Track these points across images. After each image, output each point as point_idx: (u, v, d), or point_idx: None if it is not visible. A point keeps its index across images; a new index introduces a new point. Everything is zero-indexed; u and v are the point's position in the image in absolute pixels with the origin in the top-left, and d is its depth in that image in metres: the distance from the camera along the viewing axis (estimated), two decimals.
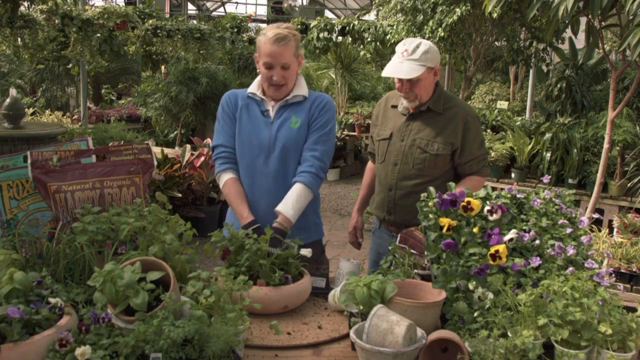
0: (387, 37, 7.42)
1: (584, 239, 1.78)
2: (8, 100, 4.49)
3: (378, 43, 8.25)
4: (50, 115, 8.00)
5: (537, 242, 1.74)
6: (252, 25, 10.27)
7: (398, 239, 2.13)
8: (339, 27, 8.80)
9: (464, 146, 2.42)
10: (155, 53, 8.41)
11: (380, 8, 8.14)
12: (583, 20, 4.18)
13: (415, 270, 1.93)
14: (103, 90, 11.07)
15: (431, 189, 1.85)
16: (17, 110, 4.53)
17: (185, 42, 7.30)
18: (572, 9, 3.50)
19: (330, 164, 2.50)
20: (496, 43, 6.54)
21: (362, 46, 8.65)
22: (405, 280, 1.76)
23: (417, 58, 2.30)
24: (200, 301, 1.52)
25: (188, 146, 5.99)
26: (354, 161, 9.70)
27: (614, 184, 5.33)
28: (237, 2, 16.87)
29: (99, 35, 6.81)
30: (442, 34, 5.53)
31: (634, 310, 1.51)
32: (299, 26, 9.02)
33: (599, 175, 4.31)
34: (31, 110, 8.31)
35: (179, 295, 1.54)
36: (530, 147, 5.83)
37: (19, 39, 6.58)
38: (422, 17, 5.86)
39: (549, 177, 3.41)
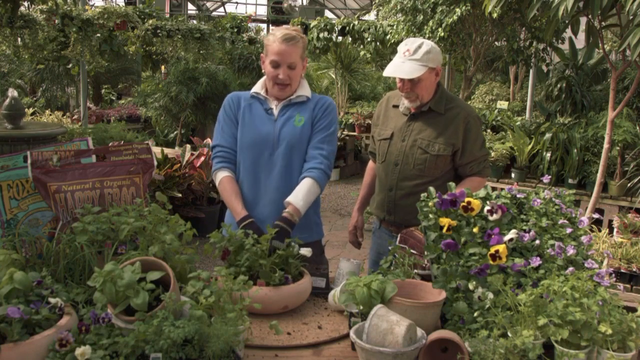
0: (387, 37, 7.43)
1: (584, 239, 1.78)
2: (8, 100, 4.49)
3: (378, 43, 8.25)
4: (50, 115, 8.00)
5: (537, 242, 1.74)
6: (252, 25, 10.27)
7: (398, 239, 2.13)
8: (339, 27, 8.80)
9: (465, 147, 2.42)
10: (155, 53, 8.40)
11: (380, 8, 8.14)
12: (583, 20, 4.18)
13: (415, 270, 1.93)
14: (103, 90, 11.07)
15: (431, 189, 1.85)
16: (17, 110, 4.53)
17: (185, 42, 7.30)
18: (572, 9, 3.50)
19: None
20: (496, 43, 6.54)
21: (362, 46, 8.65)
22: (405, 280, 1.76)
23: (419, 58, 2.30)
24: (200, 301, 1.52)
25: (188, 146, 5.99)
26: (354, 161, 9.71)
27: (614, 184, 5.33)
28: (237, 2, 16.87)
29: (99, 35, 6.81)
30: (442, 34, 5.54)
31: (634, 310, 1.51)
32: (299, 26, 9.01)
33: (599, 175, 4.31)
34: (31, 110, 8.31)
35: (179, 295, 1.54)
36: (530, 147, 5.83)
37: (19, 39, 6.58)
38: (422, 17, 5.86)
39: (549, 177, 3.41)
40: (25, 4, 6.09)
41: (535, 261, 1.67)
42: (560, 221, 1.82)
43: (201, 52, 7.52)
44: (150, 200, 1.99)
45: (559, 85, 6.58)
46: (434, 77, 2.40)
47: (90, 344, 1.37)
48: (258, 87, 2.36)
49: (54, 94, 9.77)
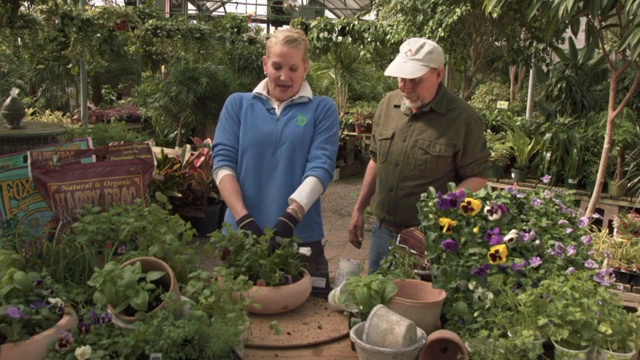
0: (387, 37, 7.42)
1: (584, 239, 1.78)
2: (8, 100, 4.49)
3: (378, 43, 8.25)
4: (50, 115, 8.01)
5: (537, 242, 1.74)
6: (252, 25, 10.27)
7: (398, 239, 2.13)
8: (339, 27, 8.80)
9: (466, 148, 2.42)
10: (155, 53, 8.40)
11: (380, 8, 8.14)
12: (583, 20, 4.18)
13: (415, 270, 1.93)
14: (103, 90, 11.07)
15: (431, 189, 1.85)
16: (17, 110, 4.53)
17: (185, 42, 7.30)
18: (572, 9, 3.50)
19: None
20: (496, 43, 6.54)
21: (362, 46, 8.65)
22: (405, 280, 1.76)
23: (421, 58, 2.30)
24: (200, 301, 1.52)
25: (188, 146, 5.99)
26: (354, 161, 9.71)
27: (614, 184, 5.33)
28: (237, 2, 16.87)
29: (99, 35, 6.81)
30: (442, 34, 5.54)
31: (634, 310, 1.51)
32: (299, 26, 9.02)
33: (599, 175, 4.31)
34: (31, 110, 8.32)
35: (179, 295, 1.54)
36: (530, 147, 5.83)
37: (19, 39, 6.58)
38: (422, 17, 5.86)
39: (549, 177, 3.41)
40: (25, 4, 6.09)
41: (535, 261, 1.67)
42: (560, 221, 1.82)
43: (201, 52, 7.53)
44: (150, 200, 1.99)
45: (559, 85, 6.58)
46: (435, 78, 2.39)
47: (90, 344, 1.37)
48: (260, 88, 2.37)
49: (54, 94, 9.77)
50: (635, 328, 1.44)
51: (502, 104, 7.62)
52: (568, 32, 5.53)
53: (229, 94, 2.47)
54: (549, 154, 5.67)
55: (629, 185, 5.32)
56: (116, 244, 1.72)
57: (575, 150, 5.54)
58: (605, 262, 3.41)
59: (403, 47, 2.37)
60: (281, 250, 1.94)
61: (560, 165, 5.67)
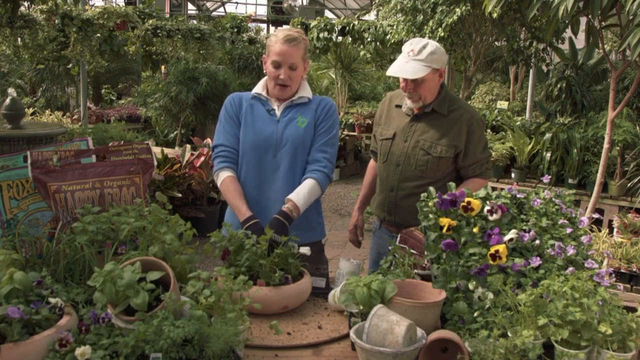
0: (387, 37, 7.42)
1: (584, 239, 1.78)
2: (8, 100, 4.50)
3: (378, 43, 8.25)
4: (50, 115, 8.01)
5: (537, 242, 1.74)
6: (252, 25, 10.27)
7: (398, 239, 2.13)
8: (339, 27, 8.80)
9: (467, 149, 2.42)
10: (155, 53, 8.41)
11: (380, 8, 8.14)
12: (583, 20, 4.18)
13: (415, 270, 1.93)
14: (103, 90, 11.07)
15: (431, 189, 1.85)
16: (17, 110, 4.53)
17: (185, 42, 7.30)
18: (572, 9, 3.50)
19: None
20: (496, 43, 6.54)
21: (362, 46, 8.65)
22: (405, 280, 1.76)
23: (423, 59, 2.29)
24: (200, 301, 1.52)
25: (188, 146, 5.99)
26: (354, 161, 9.71)
27: (614, 184, 5.33)
28: (237, 2, 16.87)
29: (99, 35, 6.81)
30: (442, 34, 5.54)
31: (634, 310, 1.51)
32: (299, 26, 9.02)
33: (599, 175, 4.31)
34: (31, 110, 8.31)
35: (179, 295, 1.54)
36: (530, 147, 5.83)
37: (19, 39, 6.58)
38: (422, 17, 5.86)
39: (549, 177, 3.41)
40: (25, 4, 6.09)
41: (535, 261, 1.67)
42: (560, 221, 1.81)
43: (201, 52, 7.53)
44: (150, 200, 1.99)
45: (559, 85, 6.58)
46: (437, 79, 2.39)
47: (90, 344, 1.37)
48: (259, 88, 2.36)
49: (54, 94, 9.77)
50: (635, 328, 1.44)
51: (502, 104, 7.62)
52: (568, 32, 5.53)
53: (229, 94, 2.46)
54: (549, 154, 5.67)
55: (629, 185, 5.32)
56: (116, 244, 1.72)
57: (575, 150, 5.54)
58: (605, 262, 3.41)
59: (405, 47, 2.36)
60: (280, 250, 1.94)
61: (560, 165, 5.67)
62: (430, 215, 1.78)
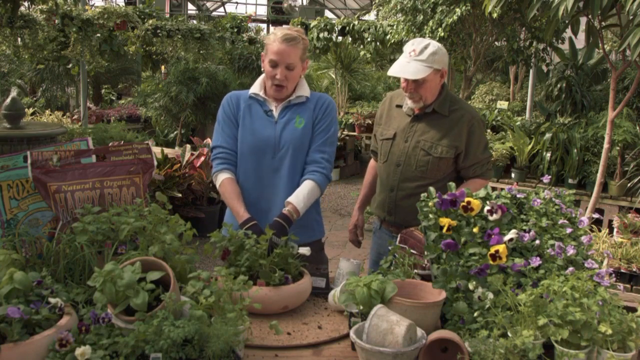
0: (387, 37, 7.42)
1: (584, 239, 1.78)
2: (8, 100, 4.50)
3: (378, 43, 8.25)
4: (50, 115, 8.01)
5: (537, 242, 1.74)
6: (252, 25, 10.28)
7: (398, 239, 2.13)
8: (339, 27, 8.80)
9: (468, 150, 2.42)
10: (155, 53, 8.41)
11: (380, 8, 8.14)
12: (583, 20, 4.18)
13: (415, 270, 1.93)
14: (103, 90, 11.07)
15: (431, 189, 1.85)
16: (17, 110, 4.54)
17: (185, 42, 7.30)
18: (572, 9, 3.50)
19: None
20: (496, 43, 6.54)
21: (362, 46, 8.65)
22: (405, 280, 1.76)
23: (425, 59, 2.29)
24: (200, 301, 1.52)
25: (188, 146, 5.99)
26: (354, 161, 9.70)
27: (614, 184, 5.33)
28: (237, 2, 16.87)
29: (99, 35, 6.81)
30: (442, 34, 5.53)
31: (634, 310, 1.51)
32: (299, 26, 9.01)
33: (599, 175, 4.31)
34: (31, 110, 8.32)
35: (179, 295, 1.54)
36: (530, 147, 5.83)
37: (19, 39, 6.58)
38: (422, 17, 5.86)
39: (549, 177, 3.40)
40: (25, 4, 6.09)
41: (535, 261, 1.67)
42: (560, 221, 1.81)
43: (201, 52, 7.53)
44: (150, 200, 1.99)
45: (559, 85, 6.58)
46: (439, 79, 2.38)
47: (90, 344, 1.37)
48: (257, 88, 2.34)
49: (54, 94, 9.78)
50: (635, 328, 1.44)
51: (502, 104, 7.62)
52: (568, 32, 5.53)
53: None
54: (549, 154, 5.67)
55: (629, 185, 5.32)
56: (116, 244, 1.72)
57: (575, 150, 5.54)
58: (605, 262, 3.41)
59: (407, 47, 2.36)
60: (280, 250, 1.94)
61: (560, 165, 5.67)
62: (430, 215, 1.78)
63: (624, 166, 5.38)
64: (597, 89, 7.24)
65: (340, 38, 9.02)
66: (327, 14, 16.50)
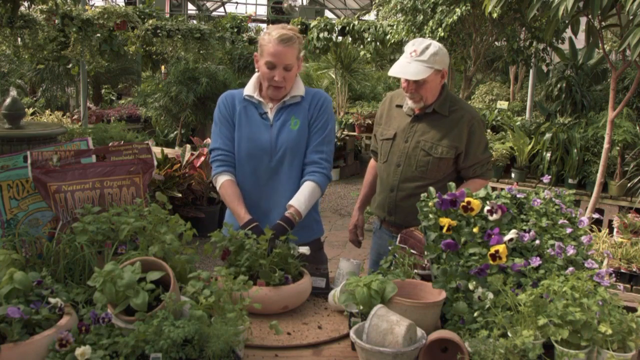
0: (387, 37, 7.41)
1: (584, 239, 1.78)
2: (8, 100, 4.50)
3: (378, 43, 8.25)
4: (50, 115, 8.01)
5: (537, 242, 1.74)
6: (252, 25, 10.28)
7: (398, 239, 2.13)
8: (339, 27, 8.80)
9: (468, 150, 2.41)
10: (155, 53, 8.41)
11: (380, 8, 8.14)
12: (583, 20, 4.18)
13: (415, 270, 1.93)
14: (103, 90, 11.08)
15: (431, 189, 1.85)
16: (17, 110, 4.54)
17: (185, 42, 7.30)
18: (572, 9, 3.50)
19: None
20: (496, 43, 6.54)
21: (362, 46, 8.65)
22: (405, 280, 1.76)
23: (426, 59, 2.28)
24: (200, 301, 1.52)
25: (188, 146, 6.00)
26: (354, 161, 9.70)
27: (614, 184, 5.33)
28: (237, 2, 16.87)
29: (99, 35, 6.82)
30: (442, 34, 5.53)
31: (634, 310, 1.51)
32: (299, 26, 9.02)
33: (599, 175, 4.31)
34: (31, 110, 8.32)
35: (179, 295, 1.54)
36: (530, 147, 5.83)
37: (19, 39, 6.59)
38: (422, 17, 5.86)
39: (549, 177, 3.40)
40: (25, 4, 6.10)
41: (535, 261, 1.67)
42: (560, 221, 1.81)
43: (201, 52, 7.53)
44: (150, 200, 1.99)
45: (559, 85, 6.58)
46: (439, 80, 2.38)
47: (90, 344, 1.37)
48: (251, 89, 2.30)
49: (54, 94, 9.78)
50: (635, 328, 1.44)
51: (502, 104, 7.62)
52: (568, 32, 5.53)
53: None
54: (549, 154, 5.67)
55: (629, 185, 5.32)
56: (116, 244, 1.72)
57: (575, 150, 5.54)
58: (605, 262, 3.41)
59: (408, 48, 2.35)
60: (280, 249, 1.94)
61: (560, 165, 5.67)
62: (430, 215, 1.78)
63: (624, 166, 5.38)
64: (597, 89, 7.24)
65: (340, 38, 9.02)
66: (327, 14, 16.51)
